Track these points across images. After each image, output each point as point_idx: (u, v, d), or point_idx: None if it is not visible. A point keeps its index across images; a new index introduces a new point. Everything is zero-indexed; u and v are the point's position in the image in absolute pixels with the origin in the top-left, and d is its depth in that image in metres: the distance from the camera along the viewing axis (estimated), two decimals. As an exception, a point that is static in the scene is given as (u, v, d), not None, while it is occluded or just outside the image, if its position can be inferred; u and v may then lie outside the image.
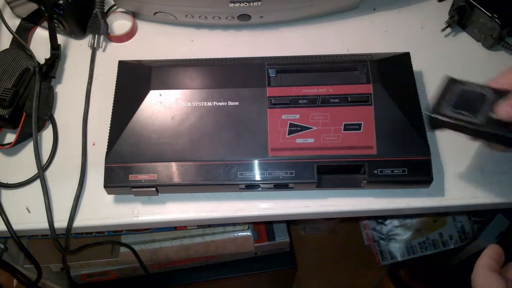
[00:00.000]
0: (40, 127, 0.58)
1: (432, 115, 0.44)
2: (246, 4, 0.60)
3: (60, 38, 0.65)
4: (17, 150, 0.58)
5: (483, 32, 0.63)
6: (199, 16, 0.63)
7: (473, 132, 0.44)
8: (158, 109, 0.53)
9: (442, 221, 1.07)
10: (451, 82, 0.46)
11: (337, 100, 0.53)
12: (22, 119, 0.56)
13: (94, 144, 0.58)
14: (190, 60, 0.58)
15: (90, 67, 0.63)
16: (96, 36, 0.65)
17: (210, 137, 0.52)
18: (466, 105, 0.44)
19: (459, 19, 0.64)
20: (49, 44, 0.61)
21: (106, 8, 0.66)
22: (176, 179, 0.51)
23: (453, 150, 0.56)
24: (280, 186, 0.52)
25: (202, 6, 0.61)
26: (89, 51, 0.64)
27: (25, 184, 0.55)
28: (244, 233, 0.82)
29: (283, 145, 0.51)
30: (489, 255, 0.42)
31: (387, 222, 1.13)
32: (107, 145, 0.52)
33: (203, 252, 0.84)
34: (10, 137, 0.58)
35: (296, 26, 0.67)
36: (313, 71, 0.56)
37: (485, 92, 0.44)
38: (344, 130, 0.52)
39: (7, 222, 0.53)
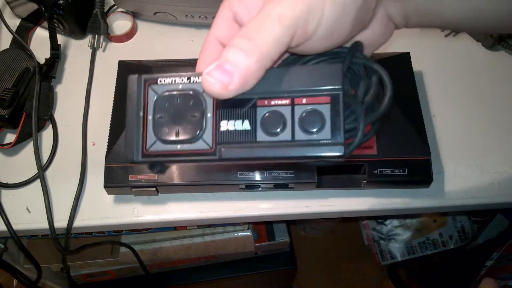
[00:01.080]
0: (40, 127, 0.58)
1: (138, 161, 0.27)
2: (246, 4, 0.60)
3: (60, 38, 0.65)
4: (17, 150, 0.58)
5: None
6: (199, 16, 0.63)
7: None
8: (158, 109, 0.53)
9: (442, 221, 1.07)
10: (138, 84, 0.28)
11: (337, 100, 0.53)
12: (22, 119, 0.56)
13: (94, 144, 0.58)
14: (190, 60, 0.58)
15: (90, 67, 0.63)
16: (96, 36, 0.65)
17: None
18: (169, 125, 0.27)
19: (459, 19, 0.64)
20: (49, 44, 0.61)
21: (106, 8, 0.66)
22: (176, 179, 0.51)
23: (453, 150, 0.56)
24: (280, 186, 0.52)
25: (202, 6, 0.61)
26: (89, 51, 0.64)
27: (25, 184, 0.55)
28: (244, 233, 0.82)
29: (283, 145, 0.51)
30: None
31: (387, 222, 1.13)
32: (107, 145, 0.52)
33: (203, 252, 0.84)
34: (10, 137, 0.58)
35: (296, 26, 0.67)
36: (313, 71, 0.56)
37: (196, 87, 0.28)
38: (344, 130, 0.52)
39: (7, 222, 0.53)
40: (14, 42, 0.65)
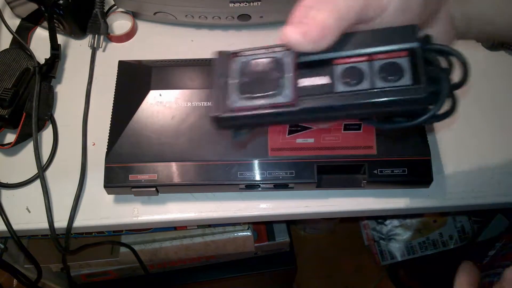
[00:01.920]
0: (40, 127, 0.58)
1: (221, 116, 0.29)
2: (246, 4, 0.60)
3: (60, 38, 0.65)
4: (17, 150, 0.58)
5: (483, 32, 0.63)
6: (199, 16, 0.63)
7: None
8: (158, 109, 0.53)
9: (442, 221, 1.07)
10: (225, 57, 0.31)
11: (337, 100, 0.53)
12: (22, 119, 0.56)
13: (94, 144, 0.58)
14: (190, 60, 0.58)
15: (90, 67, 0.63)
16: (96, 36, 0.65)
17: (210, 137, 0.52)
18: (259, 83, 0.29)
19: (459, 19, 0.64)
20: (49, 44, 0.61)
21: (106, 8, 0.66)
22: (176, 179, 0.51)
23: (453, 150, 0.56)
24: (280, 186, 0.52)
25: (202, 6, 0.61)
26: (89, 51, 0.64)
27: (25, 184, 0.55)
28: (244, 233, 0.82)
29: (283, 145, 0.51)
30: (468, 273, 0.40)
31: (387, 222, 1.13)
32: (107, 145, 0.52)
33: (203, 252, 0.84)
34: (10, 137, 0.58)
35: (296, 26, 0.67)
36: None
37: (276, 54, 0.30)
38: (344, 130, 0.52)
39: (7, 222, 0.53)
40: (14, 42, 0.65)
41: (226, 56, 0.31)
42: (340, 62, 0.28)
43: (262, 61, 0.30)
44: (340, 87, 0.28)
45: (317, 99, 0.28)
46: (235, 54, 0.31)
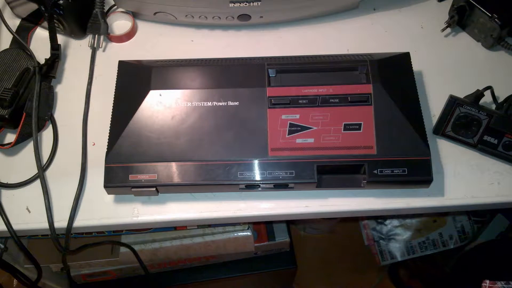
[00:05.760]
0: (40, 127, 0.58)
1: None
2: (246, 4, 0.60)
3: (60, 38, 0.65)
4: (17, 150, 0.58)
5: (483, 32, 0.63)
6: (199, 16, 0.63)
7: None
8: (158, 109, 0.53)
9: (442, 221, 1.07)
10: (453, 103, 0.52)
11: (337, 100, 0.53)
12: (22, 119, 0.56)
13: (94, 144, 0.58)
14: (190, 60, 0.58)
15: (90, 67, 0.63)
16: (96, 36, 0.65)
17: (210, 137, 0.52)
18: (464, 126, 0.51)
19: (459, 19, 0.64)
20: (49, 44, 0.61)
21: (106, 8, 0.66)
22: (176, 179, 0.51)
23: (453, 150, 0.56)
24: (280, 186, 0.52)
25: (202, 6, 0.61)
26: (89, 51, 0.64)
27: (25, 184, 0.55)
28: (244, 233, 0.82)
29: (283, 145, 0.52)
30: None
31: (387, 222, 1.13)
32: (107, 145, 0.52)
33: (203, 252, 0.84)
34: (10, 137, 0.58)
35: (296, 26, 0.67)
36: (313, 71, 0.56)
37: (480, 116, 0.50)
38: (344, 130, 0.52)
39: (7, 222, 0.53)
40: (14, 42, 0.65)
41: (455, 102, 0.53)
42: None
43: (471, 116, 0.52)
44: None
45: None
46: (460, 104, 0.52)
